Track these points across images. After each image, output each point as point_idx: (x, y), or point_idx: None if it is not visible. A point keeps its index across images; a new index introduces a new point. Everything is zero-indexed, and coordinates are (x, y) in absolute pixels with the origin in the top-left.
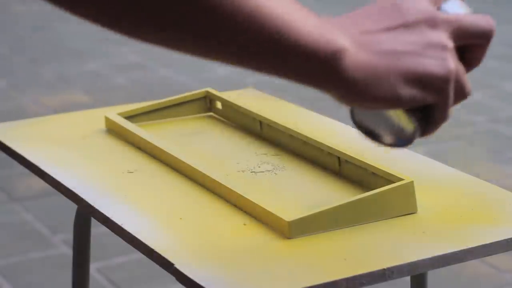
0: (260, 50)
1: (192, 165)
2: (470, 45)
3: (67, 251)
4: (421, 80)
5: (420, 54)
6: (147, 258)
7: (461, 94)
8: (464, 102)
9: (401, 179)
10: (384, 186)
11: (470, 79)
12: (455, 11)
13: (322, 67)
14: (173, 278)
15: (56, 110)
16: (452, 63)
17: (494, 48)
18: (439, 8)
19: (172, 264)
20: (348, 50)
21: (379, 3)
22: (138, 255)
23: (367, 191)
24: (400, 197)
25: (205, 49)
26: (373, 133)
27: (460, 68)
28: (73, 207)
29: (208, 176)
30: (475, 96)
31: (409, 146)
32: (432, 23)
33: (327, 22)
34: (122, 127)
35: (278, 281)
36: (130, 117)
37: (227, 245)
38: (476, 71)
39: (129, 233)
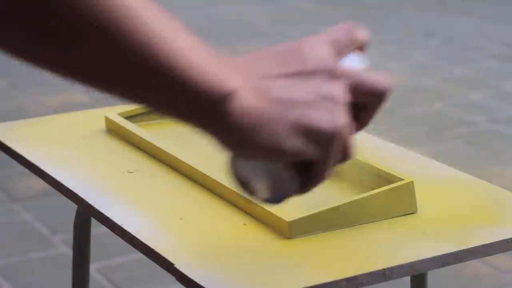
0: (144, 83)
1: (192, 165)
2: (363, 103)
3: (67, 251)
4: (308, 133)
5: (313, 105)
6: (147, 258)
7: (344, 154)
8: (464, 102)
9: (401, 179)
10: (384, 186)
11: (470, 79)
12: (356, 66)
13: (209, 108)
14: (173, 278)
15: (56, 110)
16: (342, 119)
17: (493, 48)
18: (340, 60)
19: (172, 264)
20: (239, 94)
21: (281, 46)
22: (138, 255)
23: (367, 191)
24: (400, 197)
25: (84, 75)
26: (249, 184)
27: (350, 126)
28: (73, 207)
29: (208, 176)
30: (475, 96)
31: (282, 202)
32: (331, 74)
33: (224, 61)
34: (122, 127)
35: (278, 281)
36: (130, 117)
37: (227, 245)
38: (475, 71)
39: (129, 233)
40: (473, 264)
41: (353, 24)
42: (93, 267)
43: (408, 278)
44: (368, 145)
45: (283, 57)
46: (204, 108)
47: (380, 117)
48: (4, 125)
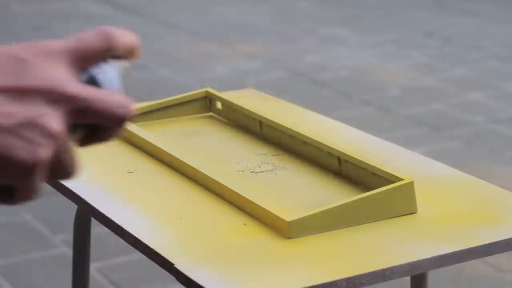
0: None
1: (192, 165)
2: (99, 124)
3: (67, 251)
4: None
5: (13, 132)
6: (147, 258)
7: (62, 174)
8: (464, 102)
9: (401, 179)
10: (384, 186)
11: (470, 79)
12: (106, 78)
13: None
14: (173, 278)
15: None
16: (45, 152)
17: (494, 48)
18: (84, 70)
19: (172, 264)
20: None
21: (9, 52)
22: (138, 255)
23: (367, 191)
24: (400, 197)
25: None
26: None
27: (64, 151)
28: (73, 207)
29: (208, 176)
30: (475, 96)
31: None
32: (51, 97)
33: None
34: None
35: (278, 281)
36: None
37: (227, 245)
38: (475, 71)
39: (129, 233)
40: (473, 264)
41: (112, 28)
42: (93, 267)
43: (408, 278)
44: (368, 145)
45: (4, 65)
46: None
47: (380, 117)
48: None
